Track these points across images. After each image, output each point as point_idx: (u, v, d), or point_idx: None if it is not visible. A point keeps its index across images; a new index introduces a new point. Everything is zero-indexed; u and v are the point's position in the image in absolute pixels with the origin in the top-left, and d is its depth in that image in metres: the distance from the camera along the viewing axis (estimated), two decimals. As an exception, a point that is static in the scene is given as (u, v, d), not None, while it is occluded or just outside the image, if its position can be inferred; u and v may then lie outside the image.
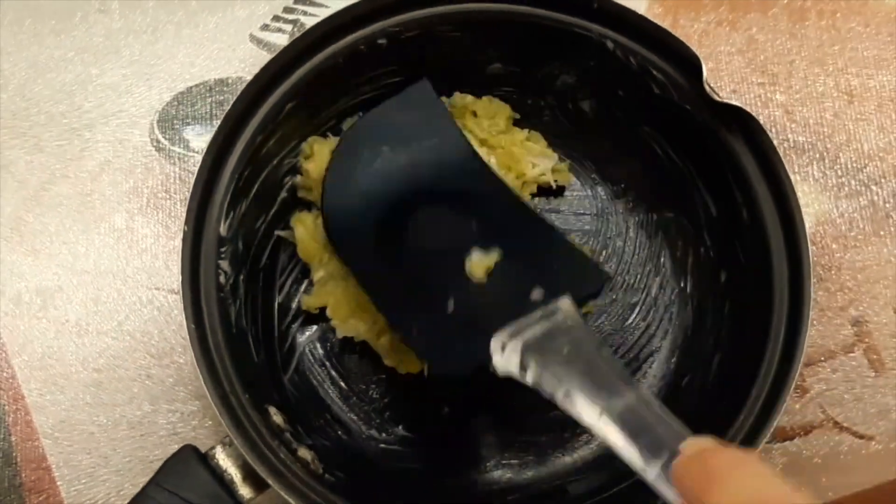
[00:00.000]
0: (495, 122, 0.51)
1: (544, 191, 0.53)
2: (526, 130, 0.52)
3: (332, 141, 0.50)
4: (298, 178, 0.50)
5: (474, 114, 0.51)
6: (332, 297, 0.49)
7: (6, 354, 0.52)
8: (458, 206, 0.47)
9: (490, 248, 0.45)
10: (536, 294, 0.42)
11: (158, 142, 0.54)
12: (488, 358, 0.41)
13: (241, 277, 0.47)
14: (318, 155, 0.49)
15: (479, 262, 0.45)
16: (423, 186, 0.47)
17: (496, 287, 0.45)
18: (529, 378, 0.39)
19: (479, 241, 0.45)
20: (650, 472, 0.33)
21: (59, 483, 0.50)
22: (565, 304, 0.41)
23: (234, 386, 0.43)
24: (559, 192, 0.53)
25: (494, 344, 0.41)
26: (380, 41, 0.47)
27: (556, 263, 0.45)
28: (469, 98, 0.51)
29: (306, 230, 0.49)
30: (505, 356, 0.40)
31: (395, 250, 0.47)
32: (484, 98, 0.51)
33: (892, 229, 0.53)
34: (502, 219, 0.47)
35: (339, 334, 0.49)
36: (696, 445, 0.32)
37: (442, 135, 0.48)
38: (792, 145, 0.54)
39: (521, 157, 0.51)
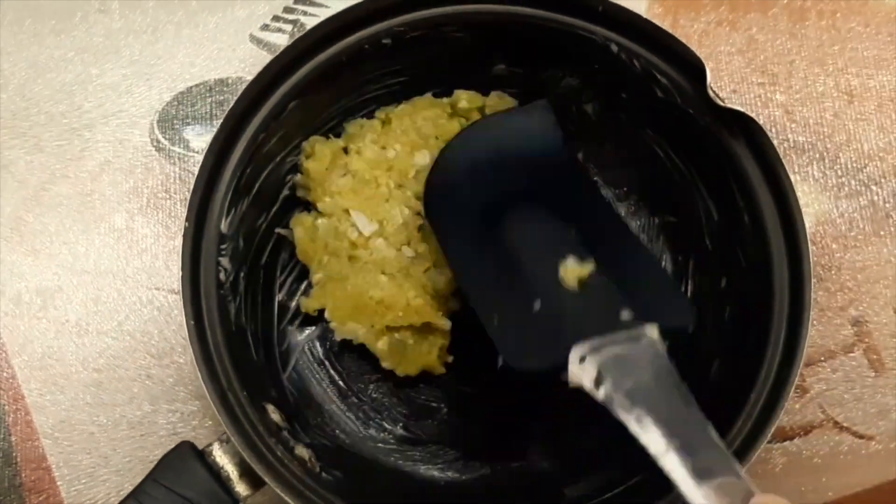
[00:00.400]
0: None
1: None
2: None
3: (334, 142, 0.50)
4: (298, 177, 0.50)
5: (481, 112, 0.51)
6: (330, 300, 0.49)
7: (6, 354, 0.52)
8: (560, 212, 0.47)
9: (586, 258, 0.45)
10: (626, 314, 0.42)
11: (158, 142, 0.54)
12: (563, 364, 0.40)
13: (242, 275, 0.47)
14: (318, 154, 0.49)
15: (574, 270, 0.45)
16: (530, 186, 0.48)
17: (586, 298, 0.44)
18: (601, 395, 0.39)
19: (577, 249, 0.45)
20: None
21: (59, 483, 0.50)
22: (653, 331, 0.41)
23: (232, 383, 0.43)
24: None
25: (574, 354, 0.40)
26: (384, 41, 0.47)
27: (650, 289, 0.45)
28: (476, 95, 0.51)
29: (305, 232, 0.49)
30: (582, 368, 0.40)
31: (492, 240, 0.47)
32: (493, 94, 0.51)
33: (892, 229, 0.53)
34: (602, 233, 0.47)
35: (338, 336, 0.49)
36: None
37: (553, 148, 0.49)
38: (792, 145, 0.54)
39: None
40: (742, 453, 0.42)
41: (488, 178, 0.48)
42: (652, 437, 0.36)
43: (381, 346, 0.49)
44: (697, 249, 0.50)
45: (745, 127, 0.45)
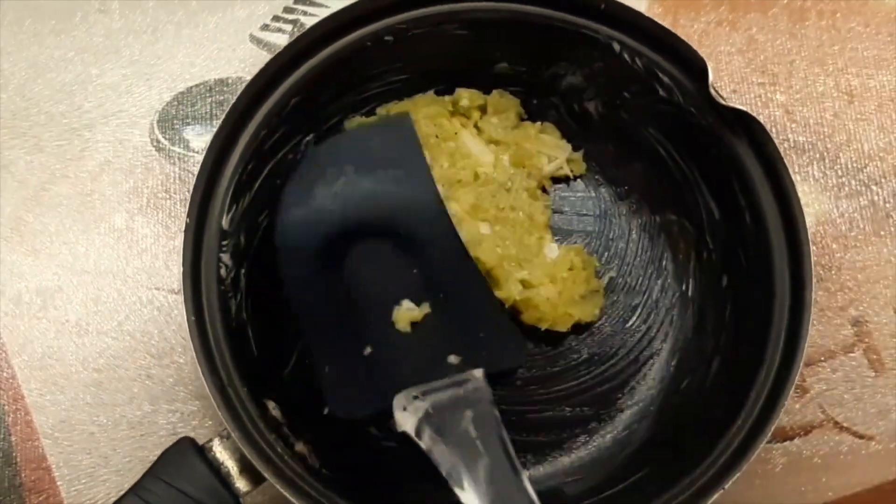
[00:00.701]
0: (506, 116, 0.51)
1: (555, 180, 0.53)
2: (539, 123, 0.52)
3: None
4: None
5: (482, 110, 0.51)
6: None
7: (6, 354, 0.52)
8: (403, 248, 0.47)
9: (422, 301, 0.46)
10: (453, 359, 0.44)
11: (158, 142, 0.54)
12: (389, 411, 0.42)
13: (243, 271, 0.47)
14: None
15: (406, 313, 0.46)
16: (377, 218, 0.47)
17: (417, 342, 0.45)
18: (423, 445, 0.40)
19: (414, 291, 0.46)
20: None
21: (59, 483, 0.50)
22: (477, 375, 0.42)
23: (232, 378, 0.43)
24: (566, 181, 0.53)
25: (398, 402, 0.41)
26: (386, 38, 0.47)
27: (483, 332, 0.46)
28: (477, 93, 0.51)
29: None
30: (404, 416, 0.41)
31: (334, 280, 0.47)
32: (494, 92, 0.51)
33: (893, 229, 0.53)
34: (443, 274, 0.47)
35: None
36: None
37: (410, 172, 0.48)
38: (792, 145, 0.54)
39: (534, 153, 0.51)
40: (741, 452, 0.42)
41: (337, 202, 0.47)
42: (467, 497, 0.38)
43: None
44: (699, 248, 0.50)
45: (746, 126, 0.45)
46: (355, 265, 0.47)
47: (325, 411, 0.47)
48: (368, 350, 0.46)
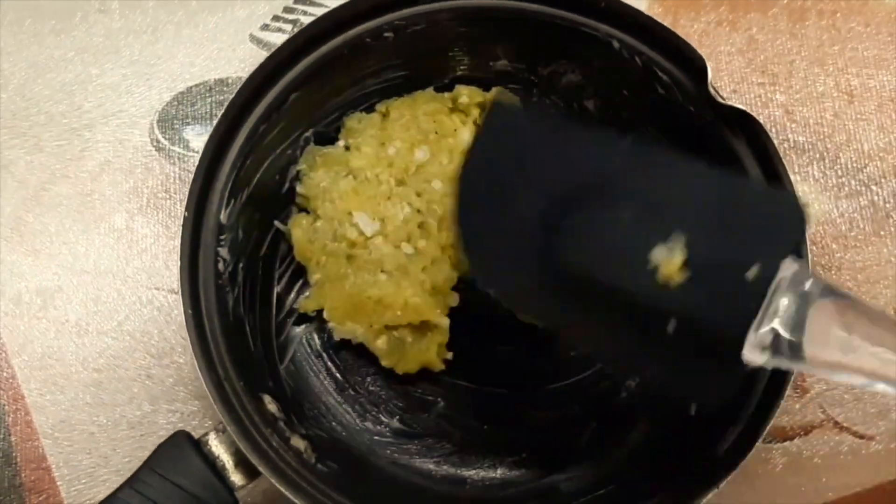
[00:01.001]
0: None
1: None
2: None
3: (332, 153, 0.50)
4: (299, 187, 0.50)
5: (482, 107, 0.51)
6: (328, 300, 0.49)
7: (6, 354, 0.52)
8: (611, 196, 0.39)
9: (669, 238, 0.36)
10: (752, 273, 0.34)
11: (158, 142, 0.54)
12: (741, 365, 0.34)
13: (241, 266, 0.47)
14: (320, 167, 0.49)
15: (668, 263, 0.36)
16: (566, 185, 0.39)
17: (703, 284, 0.36)
18: (794, 357, 0.34)
19: (654, 235, 0.36)
20: None
21: (58, 483, 0.50)
22: (791, 268, 0.34)
23: (228, 373, 0.43)
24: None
25: (749, 355, 0.34)
26: (386, 34, 0.47)
27: (748, 220, 0.37)
28: (477, 91, 0.51)
29: (303, 233, 0.49)
30: (761, 350, 0.34)
31: (558, 276, 0.39)
32: (494, 89, 0.51)
33: (893, 229, 0.53)
34: (660, 182, 0.38)
35: (337, 336, 0.49)
36: None
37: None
38: (792, 145, 0.54)
39: None
40: (738, 452, 0.42)
41: (524, 193, 0.40)
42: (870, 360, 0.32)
43: (379, 344, 0.49)
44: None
45: (745, 125, 0.45)
46: (573, 247, 0.38)
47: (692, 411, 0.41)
48: (672, 327, 0.36)
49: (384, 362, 0.49)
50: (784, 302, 0.34)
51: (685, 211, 0.37)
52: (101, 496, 0.49)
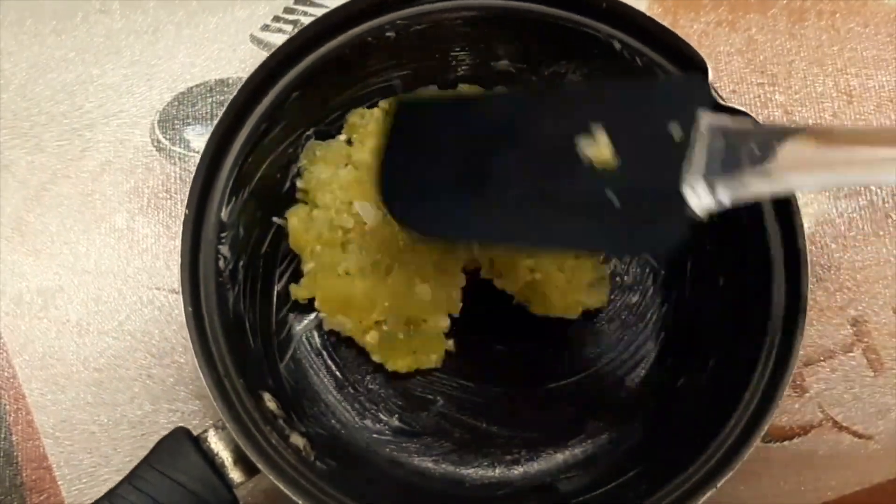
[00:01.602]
0: None
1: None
2: None
3: (332, 146, 0.50)
4: (299, 182, 0.50)
5: None
6: (320, 291, 0.49)
7: (7, 354, 0.52)
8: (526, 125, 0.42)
9: (588, 130, 0.39)
10: (675, 132, 0.37)
11: (159, 142, 0.54)
12: (688, 214, 0.37)
13: (241, 263, 0.47)
14: (320, 161, 0.49)
15: (597, 147, 0.39)
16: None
17: (633, 155, 0.39)
18: (732, 192, 0.36)
19: (576, 129, 0.39)
20: None
21: (59, 482, 0.50)
22: (706, 118, 0.37)
23: (228, 370, 0.43)
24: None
25: (687, 193, 0.36)
26: (388, 34, 0.47)
27: (655, 99, 0.40)
28: (479, 90, 0.51)
29: (300, 222, 0.49)
30: (701, 195, 0.37)
31: (497, 193, 0.42)
32: (497, 89, 0.51)
33: (892, 229, 0.53)
34: (567, 102, 0.42)
35: (326, 326, 0.50)
36: None
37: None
38: (791, 145, 0.54)
39: None
40: (735, 451, 0.42)
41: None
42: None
43: (369, 339, 0.49)
44: (695, 249, 0.50)
45: None
46: (505, 170, 0.41)
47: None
48: (613, 197, 0.39)
49: (374, 357, 0.50)
50: (713, 143, 0.36)
51: (598, 108, 0.40)
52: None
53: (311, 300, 0.50)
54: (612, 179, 0.39)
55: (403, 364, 0.50)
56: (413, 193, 0.43)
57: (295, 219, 0.49)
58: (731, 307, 0.48)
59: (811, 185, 0.34)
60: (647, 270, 0.52)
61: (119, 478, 0.47)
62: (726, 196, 0.36)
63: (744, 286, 0.47)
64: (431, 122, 0.44)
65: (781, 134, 0.35)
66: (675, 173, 0.37)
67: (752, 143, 0.36)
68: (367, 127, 0.50)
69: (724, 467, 0.42)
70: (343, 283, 0.48)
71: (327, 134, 0.51)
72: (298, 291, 0.50)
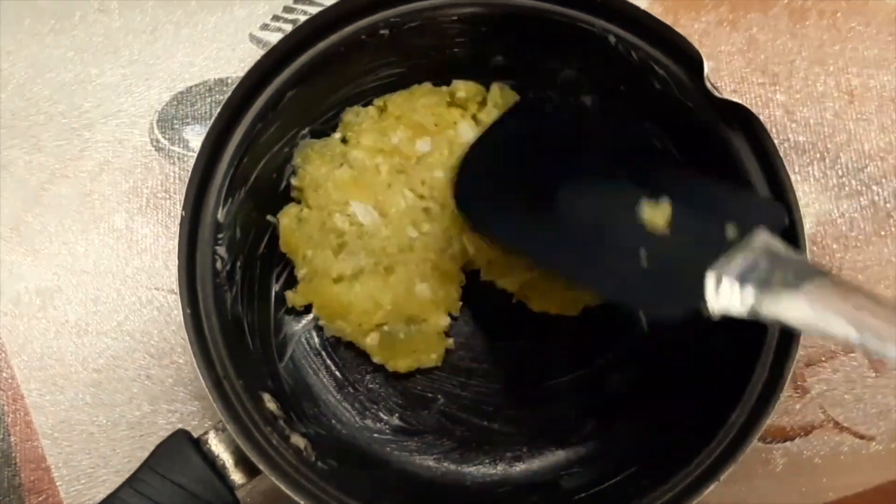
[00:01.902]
0: (505, 108, 0.51)
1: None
2: None
3: (327, 143, 0.50)
4: (294, 180, 0.50)
5: (482, 103, 0.51)
6: (317, 298, 0.49)
7: (5, 354, 0.52)
8: (607, 170, 0.46)
9: (659, 197, 0.43)
10: (731, 232, 0.40)
11: (158, 142, 0.54)
12: (701, 299, 0.38)
13: (238, 264, 0.47)
14: (315, 159, 0.49)
15: (656, 212, 0.43)
16: (567, 161, 0.47)
17: (684, 233, 0.42)
18: (751, 302, 0.37)
19: (645, 193, 0.43)
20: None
21: (58, 483, 0.50)
22: (763, 235, 0.39)
23: (227, 371, 0.43)
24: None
25: (710, 281, 0.38)
26: (381, 31, 0.47)
27: (731, 202, 0.43)
28: (474, 85, 0.51)
29: (290, 221, 0.49)
30: (721, 291, 0.38)
31: (557, 219, 0.45)
32: (494, 85, 0.51)
33: (893, 229, 0.53)
34: (654, 170, 0.45)
35: (327, 333, 0.50)
36: None
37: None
38: (792, 145, 0.54)
39: None
40: (736, 446, 0.43)
41: (528, 161, 0.47)
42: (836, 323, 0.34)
43: (369, 341, 0.49)
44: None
45: (742, 118, 0.45)
46: (572, 200, 0.45)
47: (644, 322, 0.47)
48: (644, 260, 0.42)
49: (375, 358, 0.50)
50: (750, 258, 0.38)
51: (676, 182, 0.44)
52: (101, 496, 0.49)
53: (309, 305, 0.50)
54: (653, 244, 0.42)
55: (404, 364, 0.50)
56: (487, 201, 0.46)
57: (286, 219, 0.49)
58: None
59: (819, 328, 0.35)
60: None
61: (118, 478, 0.47)
62: (746, 305, 0.37)
63: None
64: (521, 136, 0.47)
65: (813, 272, 0.36)
66: (708, 261, 0.38)
67: (789, 271, 0.37)
68: (361, 125, 0.50)
69: (725, 463, 0.42)
70: (340, 288, 0.48)
71: (322, 133, 0.50)
72: (295, 298, 0.50)
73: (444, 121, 0.50)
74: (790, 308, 0.35)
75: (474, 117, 0.51)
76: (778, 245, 0.38)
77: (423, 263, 0.49)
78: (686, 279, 0.39)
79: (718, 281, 0.38)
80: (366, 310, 0.48)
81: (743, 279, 0.37)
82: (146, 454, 0.50)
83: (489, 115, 0.51)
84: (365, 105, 0.51)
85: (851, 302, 0.34)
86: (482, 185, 0.46)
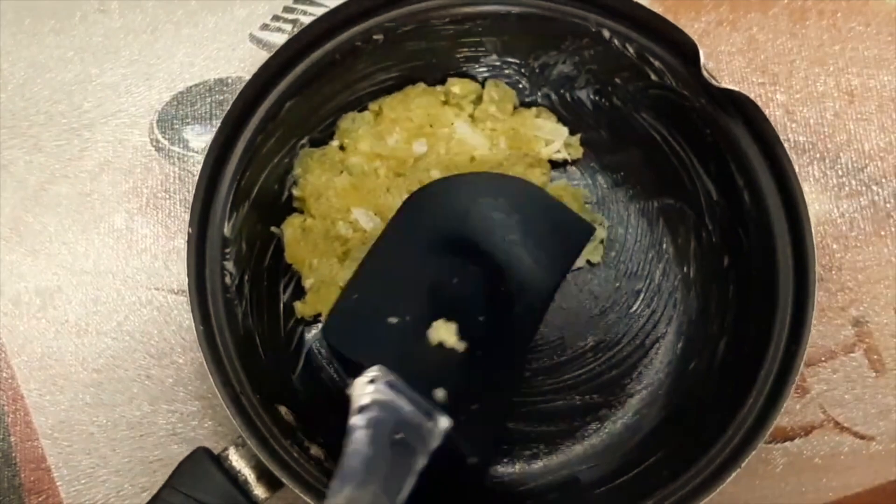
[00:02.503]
0: (502, 105, 0.51)
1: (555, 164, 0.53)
2: (534, 108, 0.52)
3: (326, 151, 0.50)
4: (295, 190, 0.50)
5: (478, 101, 0.51)
6: (326, 306, 0.49)
7: (6, 355, 0.51)
8: (491, 287, 0.48)
9: (464, 338, 0.46)
10: (440, 394, 0.44)
11: (158, 142, 0.54)
12: (359, 370, 0.42)
13: (246, 278, 0.47)
14: (315, 168, 0.49)
15: (444, 332, 0.46)
16: (491, 249, 0.48)
17: (434, 354, 0.46)
18: (352, 420, 0.40)
19: (468, 325, 0.46)
20: None
21: (58, 483, 0.50)
22: (443, 424, 0.42)
23: (244, 386, 0.43)
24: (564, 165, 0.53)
25: (370, 372, 0.41)
26: (376, 36, 0.47)
27: (481, 416, 0.46)
28: (469, 82, 0.51)
29: (293, 232, 0.49)
30: (362, 387, 0.41)
31: (429, 262, 0.48)
32: (489, 83, 0.51)
33: (893, 229, 0.53)
34: (497, 343, 0.47)
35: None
36: None
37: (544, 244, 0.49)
38: (792, 145, 0.54)
39: (531, 137, 0.51)
40: (756, 430, 0.43)
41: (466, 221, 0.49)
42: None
43: None
44: (698, 231, 0.50)
45: (741, 106, 0.45)
46: (446, 266, 0.48)
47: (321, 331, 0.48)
48: (395, 321, 0.46)
49: None
50: (406, 408, 0.41)
51: (484, 353, 0.46)
52: (101, 496, 0.49)
53: (318, 314, 0.50)
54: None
55: None
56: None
57: (290, 230, 0.49)
58: (737, 286, 0.48)
59: None
60: (651, 256, 0.52)
61: (117, 478, 0.48)
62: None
63: (749, 264, 0.47)
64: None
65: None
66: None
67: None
68: (357, 131, 0.50)
69: (746, 447, 0.42)
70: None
71: (322, 141, 0.51)
72: (304, 309, 0.50)
73: (438, 121, 0.50)
74: None
75: (471, 116, 0.51)
76: (431, 440, 0.41)
77: None
78: (376, 348, 0.45)
79: (372, 380, 0.41)
80: None
81: (374, 406, 0.40)
82: (146, 454, 0.50)
83: (485, 111, 0.51)
84: (361, 111, 0.51)
85: None
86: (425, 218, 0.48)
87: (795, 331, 0.43)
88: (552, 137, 0.52)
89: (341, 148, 0.50)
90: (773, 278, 0.44)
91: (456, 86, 0.51)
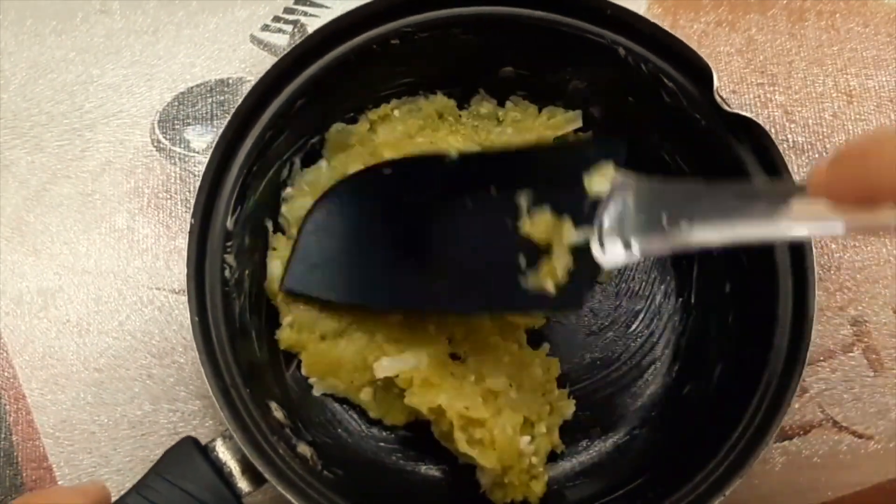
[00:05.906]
0: (523, 123, 0.51)
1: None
2: (545, 111, 0.52)
3: (318, 174, 0.50)
4: (284, 206, 0.50)
5: (497, 119, 0.52)
6: (305, 355, 0.48)
7: (7, 354, 0.52)
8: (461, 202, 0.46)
9: (517, 197, 0.43)
10: (589, 184, 0.40)
11: (159, 142, 0.54)
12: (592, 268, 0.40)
13: (247, 272, 0.47)
14: (308, 193, 0.49)
15: (535, 223, 0.42)
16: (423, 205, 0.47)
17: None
18: (639, 246, 0.37)
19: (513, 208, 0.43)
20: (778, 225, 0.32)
21: (60, 482, 0.50)
22: (607, 172, 0.39)
23: (235, 380, 0.43)
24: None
25: (593, 247, 0.39)
26: (392, 41, 0.47)
27: (580, 162, 0.42)
28: (487, 104, 0.51)
29: (278, 271, 0.48)
30: (607, 249, 0.38)
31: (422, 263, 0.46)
32: (509, 102, 0.51)
33: (892, 229, 0.53)
34: (507, 175, 0.45)
35: (317, 391, 0.49)
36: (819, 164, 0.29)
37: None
38: (791, 145, 0.54)
39: (543, 135, 0.51)
40: (743, 458, 0.42)
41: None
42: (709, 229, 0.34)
43: (363, 397, 0.48)
44: (702, 255, 0.50)
45: (750, 132, 0.45)
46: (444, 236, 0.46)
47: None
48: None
49: (372, 414, 0.49)
50: (619, 201, 0.38)
51: (526, 173, 0.44)
52: (102, 495, 0.49)
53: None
54: (527, 243, 0.42)
55: (402, 418, 0.49)
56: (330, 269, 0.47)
57: (277, 262, 0.48)
58: (737, 312, 0.48)
59: (717, 238, 0.35)
60: (653, 277, 0.52)
61: (119, 478, 0.48)
62: (635, 250, 0.37)
63: (750, 292, 0.47)
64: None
65: (694, 192, 0.36)
66: (585, 230, 0.39)
67: (662, 201, 0.37)
68: (348, 149, 0.50)
69: (733, 475, 0.42)
70: (328, 346, 0.48)
71: (318, 154, 0.50)
72: (284, 339, 0.49)
73: (434, 137, 0.50)
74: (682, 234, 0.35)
75: (463, 134, 0.51)
76: (632, 179, 0.39)
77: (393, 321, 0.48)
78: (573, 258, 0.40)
79: (599, 241, 0.38)
80: (357, 366, 0.47)
81: (618, 227, 0.38)
82: (148, 453, 0.50)
83: (502, 134, 0.51)
84: (353, 121, 0.51)
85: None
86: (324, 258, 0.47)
87: (790, 365, 0.43)
88: (565, 127, 0.51)
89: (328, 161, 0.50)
90: (772, 309, 0.44)
91: (484, 107, 0.51)
